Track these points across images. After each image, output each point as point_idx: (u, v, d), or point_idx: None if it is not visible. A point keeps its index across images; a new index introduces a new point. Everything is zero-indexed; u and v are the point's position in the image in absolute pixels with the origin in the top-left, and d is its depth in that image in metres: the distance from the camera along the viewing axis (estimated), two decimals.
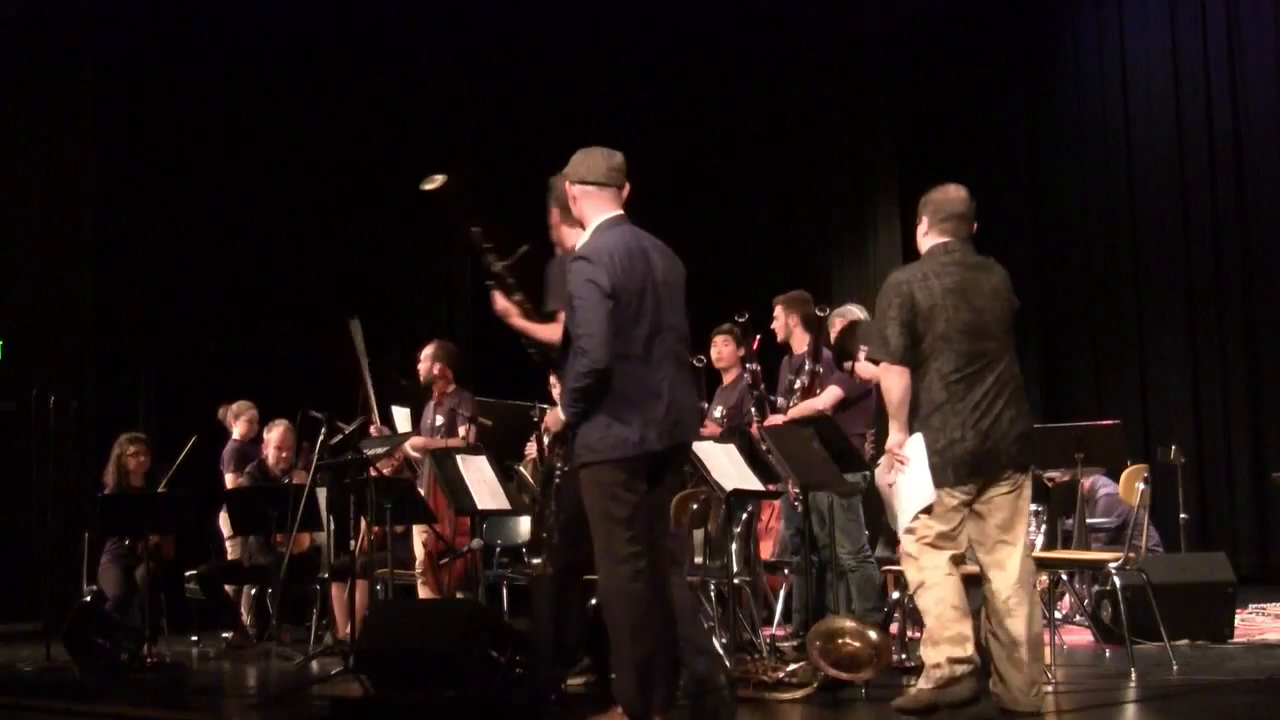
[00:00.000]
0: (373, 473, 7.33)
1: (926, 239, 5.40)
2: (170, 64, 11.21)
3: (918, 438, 5.13)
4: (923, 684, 5.07)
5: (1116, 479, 8.25)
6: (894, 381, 5.16)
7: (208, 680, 7.33)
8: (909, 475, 5.13)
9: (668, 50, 12.44)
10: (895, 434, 5.18)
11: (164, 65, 11.19)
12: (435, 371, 8.35)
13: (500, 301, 5.54)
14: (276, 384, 9.22)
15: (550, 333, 5.36)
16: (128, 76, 11.13)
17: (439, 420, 8.33)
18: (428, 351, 8.45)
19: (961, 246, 5.36)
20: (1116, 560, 6.60)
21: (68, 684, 7.11)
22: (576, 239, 5.54)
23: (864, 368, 6.33)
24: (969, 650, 5.04)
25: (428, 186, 5.57)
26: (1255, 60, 11.34)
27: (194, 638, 8.74)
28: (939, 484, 5.12)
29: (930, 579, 5.08)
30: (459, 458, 6.96)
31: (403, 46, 12.06)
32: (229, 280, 11.20)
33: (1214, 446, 11.36)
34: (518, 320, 5.48)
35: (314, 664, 7.47)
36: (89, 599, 8.66)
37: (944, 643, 5.03)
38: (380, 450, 7.64)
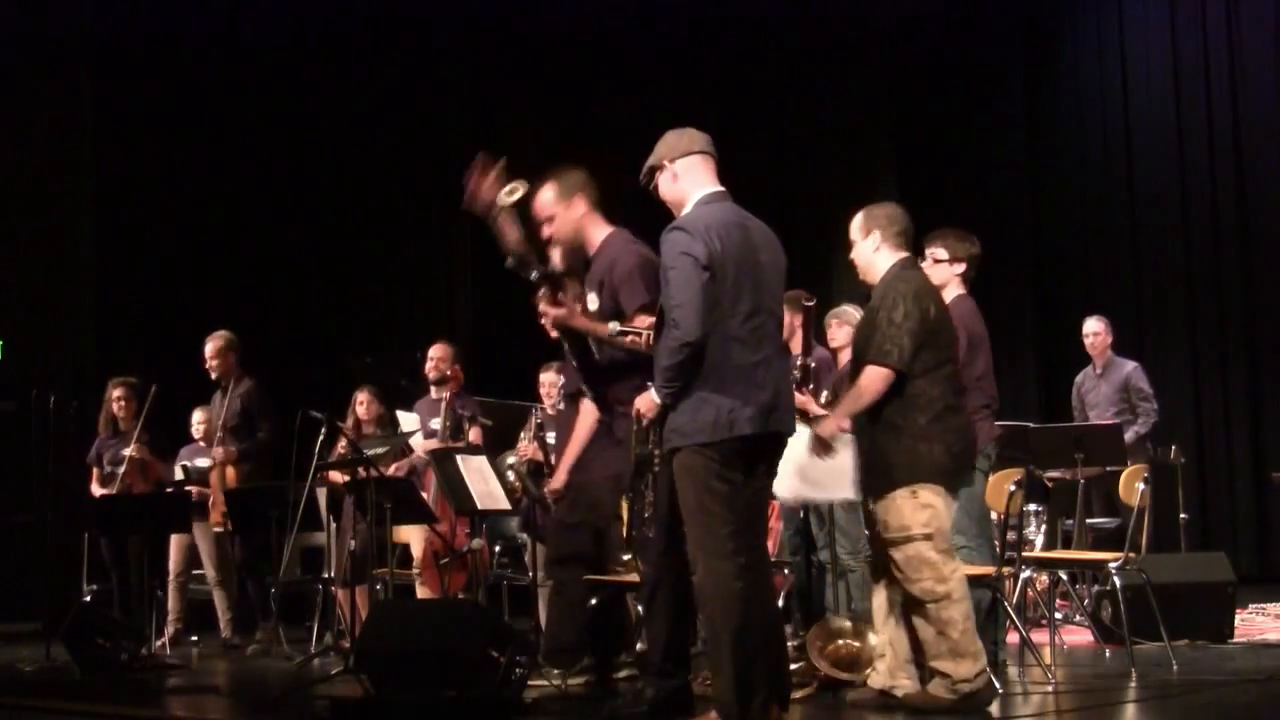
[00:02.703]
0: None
1: (880, 254, 5.37)
2: (170, 63, 11.21)
3: (849, 439, 5.22)
4: (941, 692, 5.10)
5: (1116, 479, 8.26)
6: (881, 387, 5.12)
7: (207, 680, 7.33)
8: (830, 466, 5.19)
9: (667, 51, 12.44)
10: (836, 421, 5.18)
11: (164, 65, 11.20)
12: (454, 371, 8.32)
13: (554, 309, 5.25)
14: (276, 384, 9.20)
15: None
16: (128, 76, 11.13)
17: (435, 424, 8.31)
18: (446, 353, 8.44)
19: (918, 264, 5.52)
20: (1116, 560, 6.60)
21: (68, 684, 7.11)
22: (598, 234, 5.51)
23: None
24: (984, 659, 5.13)
25: (511, 199, 5.38)
26: (1255, 60, 11.35)
27: (194, 638, 8.74)
28: (956, 486, 5.19)
29: (957, 591, 5.10)
30: (459, 458, 6.96)
31: (405, 42, 12.06)
32: (229, 280, 11.20)
33: (1214, 446, 11.36)
34: (581, 321, 5.25)
35: (314, 664, 7.48)
36: (89, 599, 8.68)
37: (968, 657, 5.08)
38: (380, 450, 7.64)
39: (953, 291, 6.31)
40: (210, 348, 8.82)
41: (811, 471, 5.28)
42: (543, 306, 5.29)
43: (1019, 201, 12.63)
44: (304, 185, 11.56)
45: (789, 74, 12.75)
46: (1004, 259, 12.39)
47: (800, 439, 5.14)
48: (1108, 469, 8.22)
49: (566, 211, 5.58)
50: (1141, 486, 6.75)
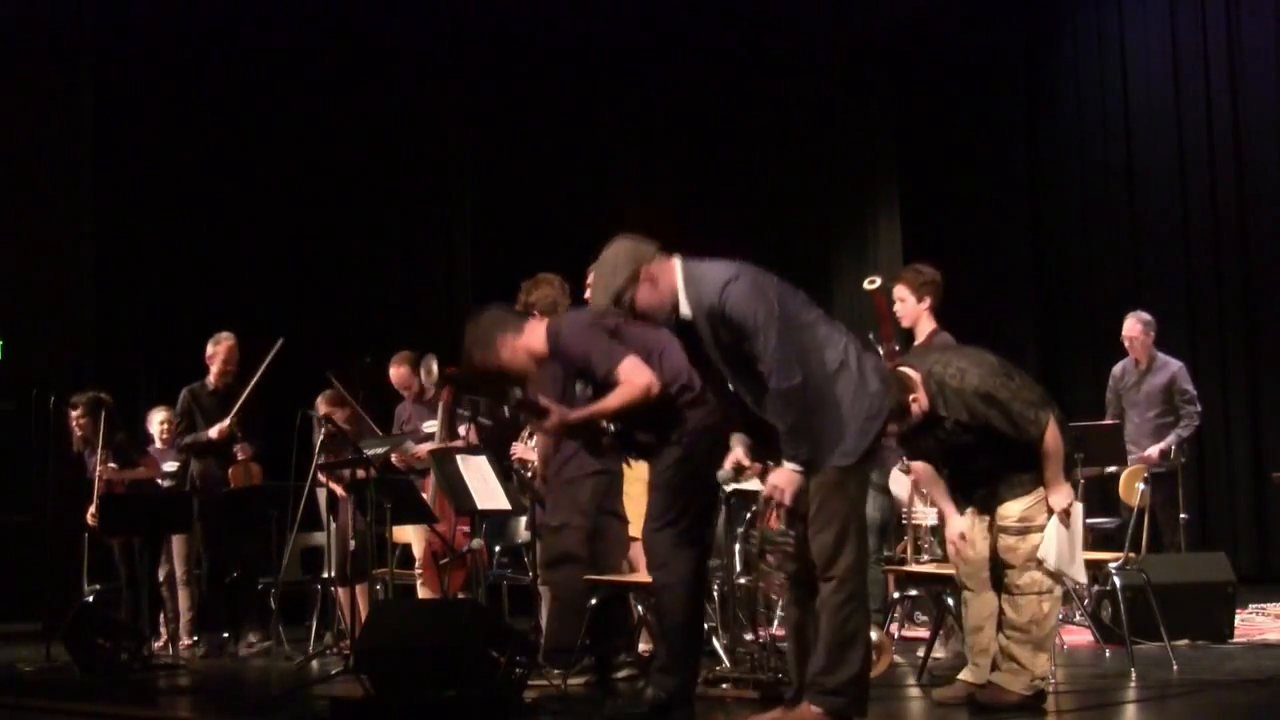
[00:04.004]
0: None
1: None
2: (170, 63, 11.22)
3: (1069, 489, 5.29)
4: (1015, 685, 5.18)
5: (1116, 479, 8.26)
6: (1060, 433, 5.22)
7: (208, 680, 7.33)
8: (1075, 523, 5.22)
9: (667, 50, 12.44)
10: (1068, 489, 5.24)
11: (164, 65, 11.20)
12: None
13: (550, 424, 5.30)
14: (276, 384, 9.21)
15: (618, 398, 5.14)
16: (128, 76, 11.14)
17: (427, 427, 8.31)
18: (403, 368, 8.48)
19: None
20: (1116, 560, 6.60)
21: (68, 684, 7.12)
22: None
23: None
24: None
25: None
26: (1255, 60, 11.34)
27: (194, 638, 8.74)
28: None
29: (1059, 589, 5.28)
30: (459, 458, 6.95)
31: (404, 43, 12.06)
32: (229, 280, 11.20)
33: (1214, 446, 11.35)
34: (576, 414, 5.25)
35: (314, 664, 7.48)
36: (89, 599, 8.68)
37: (1046, 653, 5.22)
38: (380, 450, 7.63)
39: (926, 327, 6.41)
40: (225, 351, 8.77)
41: (1072, 537, 5.28)
42: (537, 430, 5.37)
43: (1019, 201, 12.62)
44: (304, 185, 11.55)
45: (790, 74, 12.74)
46: (1004, 259, 12.40)
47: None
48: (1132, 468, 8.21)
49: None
50: (1142, 486, 6.75)
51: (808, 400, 4.59)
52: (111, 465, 8.42)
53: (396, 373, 8.65)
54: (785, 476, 4.64)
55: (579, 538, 6.22)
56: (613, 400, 5.13)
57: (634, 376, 5.13)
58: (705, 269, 4.76)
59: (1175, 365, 9.24)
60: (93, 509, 8.32)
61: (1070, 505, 5.21)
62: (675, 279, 4.73)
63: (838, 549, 4.67)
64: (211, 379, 8.82)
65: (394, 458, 8.14)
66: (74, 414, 8.60)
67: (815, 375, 4.63)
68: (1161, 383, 9.11)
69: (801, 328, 4.68)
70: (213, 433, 8.65)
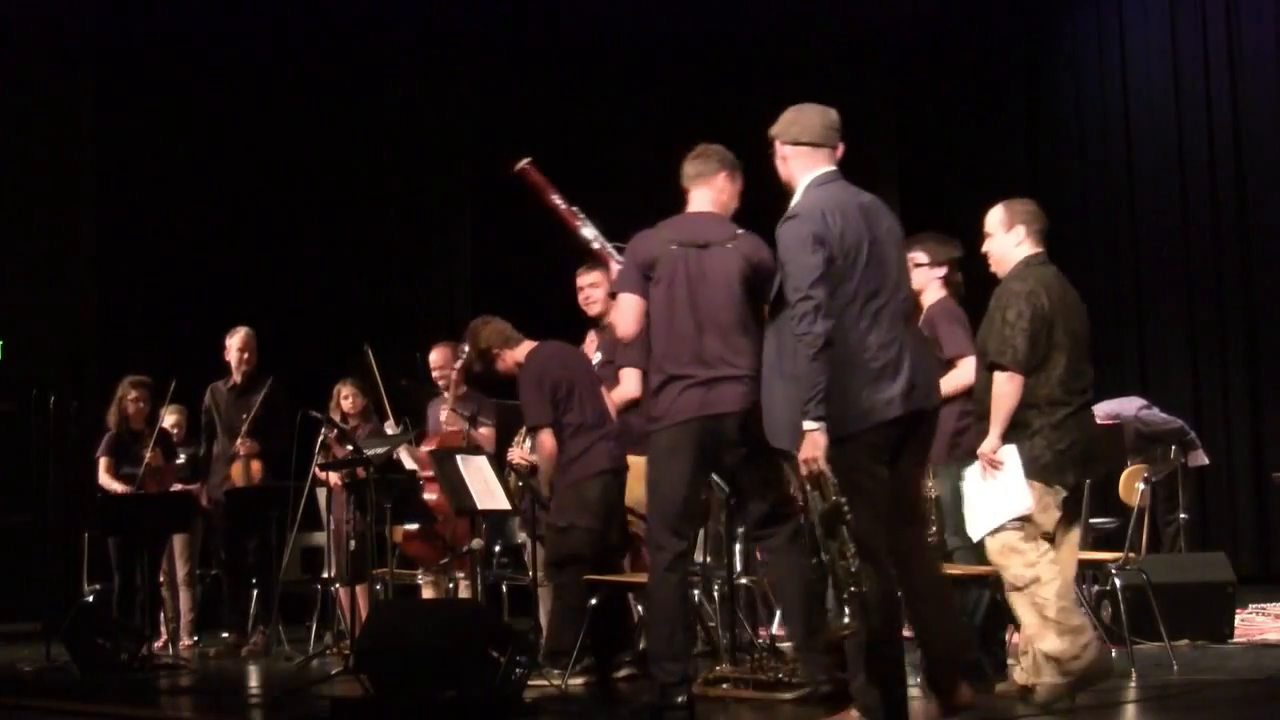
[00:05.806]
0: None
1: (1021, 248, 5.60)
2: (171, 64, 11.22)
3: (1011, 448, 5.19)
4: (1054, 678, 5.13)
5: (1117, 479, 8.26)
6: (1012, 390, 5.20)
7: (208, 680, 7.33)
8: (1002, 482, 5.17)
9: (668, 50, 12.44)
10: (994, 439, 5.19)
11: (164, 65, 11.20)
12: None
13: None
14: (276, 384, 9.21)
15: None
16: (128, 76, 11.14)
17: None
18: (446, 357, 8.30)
19: (1047, 260, 5.67)
20: (1116, 560, 6.60)
21: (68, 684, 7.12)
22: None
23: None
24: (1090, 633, 5.20)
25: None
26: (1255, 60, 11.35)
27: (195, 637, 8.74)
28: (1059, 482, 5.23)
29: (1045, 574, 5.17)
30: (459, 458, 6.94)
31: (405, 45, 12.06)
32: (230, 280, 11.19)
33: (1214, 446, 11.34)
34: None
35: (314, 664, 7.48)
36: (89, 599, 8.68)
37: (1070, 633, 5.14)
38: (380, 450, 7.62)
39: (933, 294, 6.35)
40: (241, 341, 8.66)
41: (991, 497, 5.24)
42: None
43: None
44: (304, 183, 11.55)
45: (789, 73, 12.73)
46: None
47: (970, 477, 5.28)
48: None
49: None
50: (1142, 486, 6.75)
51: (828, 360, 4.39)
52: (159, 449, 8.44)
53: (445, 355, 8.37)
54: (811, 445, 4.37)
55: (587, 539, 6.21)
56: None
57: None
58: (808, 194, 4.72)
59: (1129, 412, 9.12)
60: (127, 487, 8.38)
61: (991, 454, 5.17)
62: (800, 176, 4.79)
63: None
64: (233, 375, 8.74)
65: (405, 454, 8.11)
66: (131, 395, 8.59)
67: (844, 345, 4.47)
68: (1132, 434, 8.99)
69: (858, 300, 4.55)
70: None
